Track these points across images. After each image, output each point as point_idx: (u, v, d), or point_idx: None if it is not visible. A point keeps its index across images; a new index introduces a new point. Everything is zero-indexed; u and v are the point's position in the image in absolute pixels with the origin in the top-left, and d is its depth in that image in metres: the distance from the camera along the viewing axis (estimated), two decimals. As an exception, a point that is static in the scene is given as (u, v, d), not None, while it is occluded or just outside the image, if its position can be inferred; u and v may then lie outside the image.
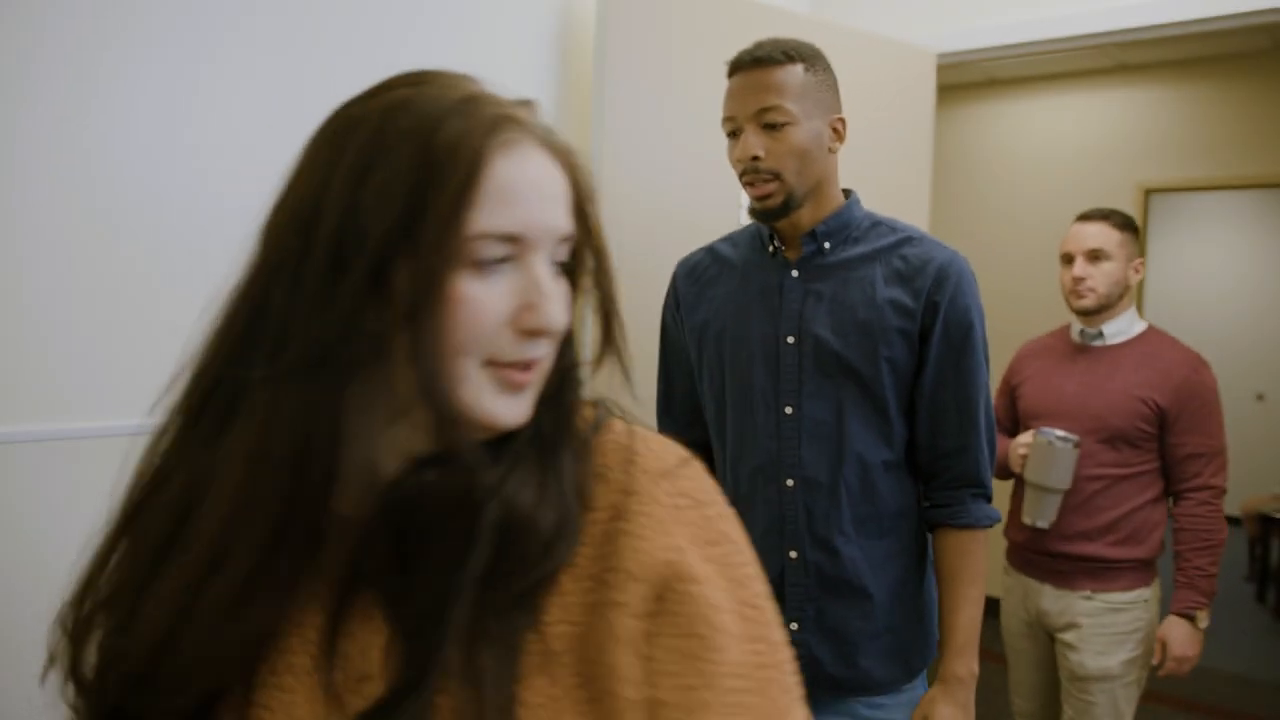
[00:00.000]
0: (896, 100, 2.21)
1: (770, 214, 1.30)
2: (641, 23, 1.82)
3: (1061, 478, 1.93)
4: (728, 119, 1.31)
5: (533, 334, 0.54)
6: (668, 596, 0.52)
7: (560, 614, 0.53)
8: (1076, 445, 1.92)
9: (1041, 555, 2.04)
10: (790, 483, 1.32)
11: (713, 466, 1.44)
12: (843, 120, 1.34)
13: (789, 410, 1.32)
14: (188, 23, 1.44)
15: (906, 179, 2.25)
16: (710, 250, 1.48)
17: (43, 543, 1.33)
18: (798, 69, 1.29)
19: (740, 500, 1.34)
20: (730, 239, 1.48)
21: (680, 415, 1.51)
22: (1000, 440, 2.13)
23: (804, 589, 1.31)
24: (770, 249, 1.37)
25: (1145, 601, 1.99)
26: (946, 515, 1.35)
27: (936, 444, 1.34)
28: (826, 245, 1.33)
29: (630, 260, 1.80)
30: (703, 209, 1.88)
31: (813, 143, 1.28)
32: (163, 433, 0.60)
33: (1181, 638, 1.92)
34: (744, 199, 1.97)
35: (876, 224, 1.36)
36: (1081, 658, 1.97)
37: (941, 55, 2.37)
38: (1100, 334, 2.07)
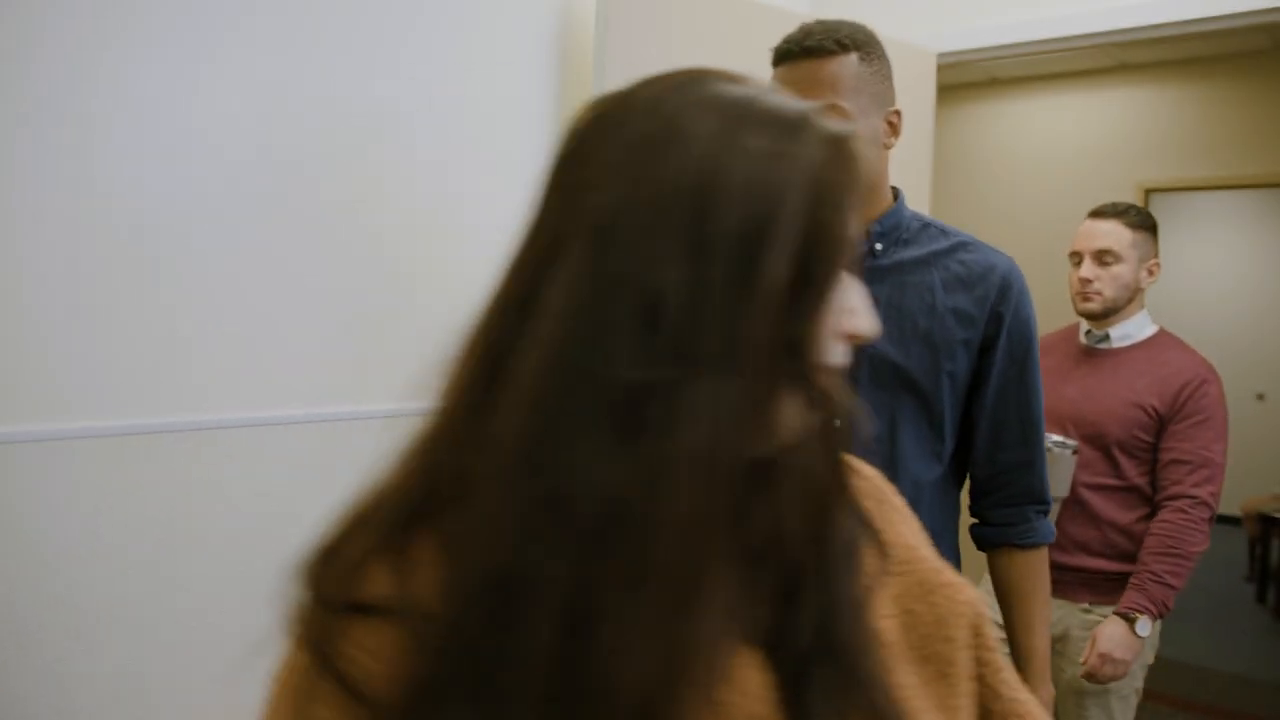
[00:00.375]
0: (897, 100, 2.21)
1: None
2: (641, 23, 1.82)
3: (1059, 485, 1.83)
4: None
5: (851, 339, 0.55)
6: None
7: (881, 609, 0.57)
8: (1075, 452, 1.85)
9: None
10: None
11: None
12: (898, 113, 1.24)
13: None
14: (187, 23, 1.44)
15: (906, 179, 2.24)
16: None
17: (43, 543, 1.33)
18: (852, 59, 1.18)
19: None
20: None
21: None
22: None
23: None
24: None
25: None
26: (1014, 535, 1.27)
27: (997, 459, 1.26)
28: (879, 247, 1.24)
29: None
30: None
31: (870, 142, 1.18)
32: (554, 448, 0.44)
33: (1112, 636, 1.77)
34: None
35: (926, 225, 1.28)
36: (1079, 671, 1.87)
37: (941, 55, 2.37)
38: (1106, 337, 1.98)
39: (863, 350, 1.11)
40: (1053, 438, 1.83)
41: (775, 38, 2.02)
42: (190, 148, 1.46)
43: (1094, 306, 1.93)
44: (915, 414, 1.21)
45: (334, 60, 1.61)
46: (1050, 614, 1.27)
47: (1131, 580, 1.82)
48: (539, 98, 1.93)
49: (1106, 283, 1.91)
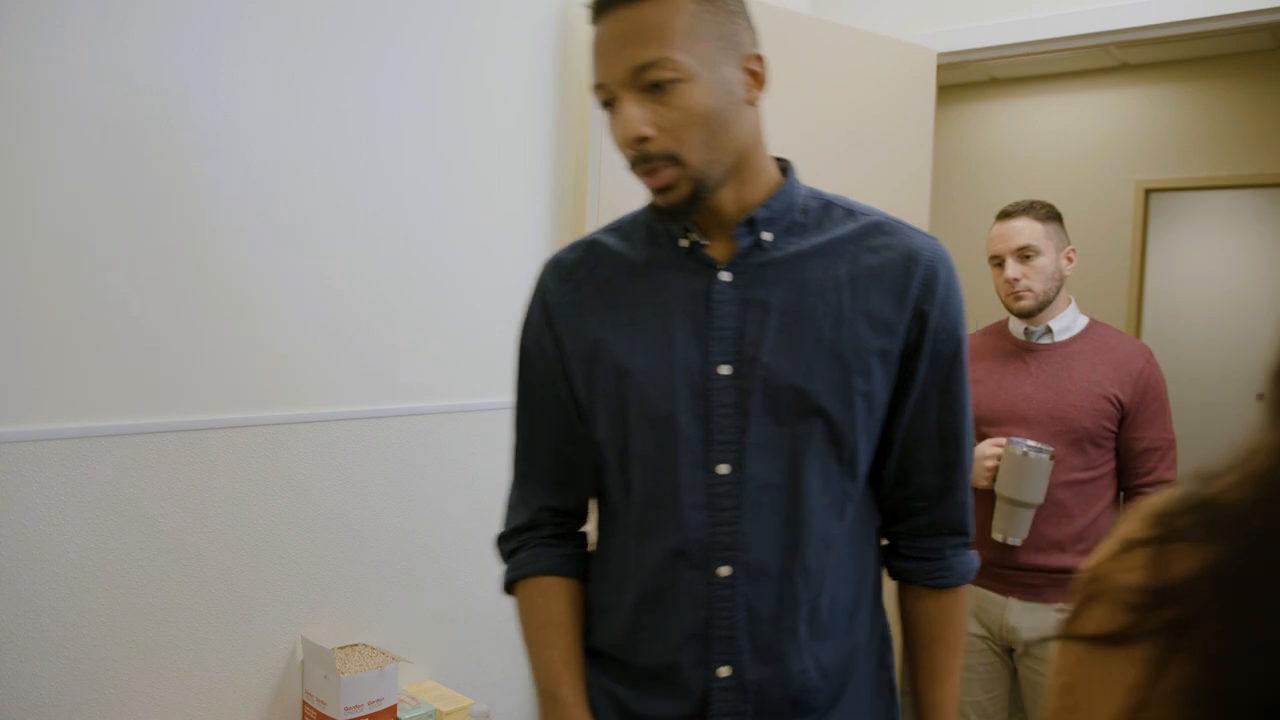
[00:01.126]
0: (896, 100, 2.21)
1: (677, 212, 0.93)
2: (641, 22, 1.82)
3: (1036, 491, 1.80)
4: (597, 87, 0.92)
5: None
6: None
7: None
8: (1052, 457, 1.80)
9: (1008, 569, 1.90)
10: (725, 571, 0.94)
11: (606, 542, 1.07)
12: (760, 59, 0.96)
13: (724, 469, 0.94)
14: (191, 21, 1.44)
15: (906, 178, 2.25)
16: (592, 244, 1.06)
17: (43, 543, 1.33)
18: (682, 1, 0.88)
19: (649, 596, 0.97)
20: (618, 228, 1.06)
21: (548, 477, 1.08)
22: None
23: (739, 718, 0.95)
24: (685, 242, 0.98)
25: None
26: (926, 573, 1.05)
27: (911, 482, 1.03)
28: (767, 238, 0.97)
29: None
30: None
31: (720, 99, 0.90)
32: None
33: None
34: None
35: (828, 205, 1.01)
36: None
37: (941, 55, 2.37)
38: (1048, 330, 1.96)
39: (752, 372, 0.93)
40: (1027, 442, 1.81)
41: (775, 38, 2.02)
42: (191, 146, 1.45)
43: (1028, 304, 1.92)
44: (822, 450, 0.94)
45: (334, 60, 1.61)
46: (962, 661, 1.09)
47: None
48: (539, 98, 1.93)
49: (1034, 278, 1.91)
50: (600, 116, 1.79)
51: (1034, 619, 1.89)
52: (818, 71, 2.06)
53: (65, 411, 1.35)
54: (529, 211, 1.92)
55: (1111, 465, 1.90)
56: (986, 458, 1.87)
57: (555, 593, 1.05)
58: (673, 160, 0.89)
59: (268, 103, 1.53)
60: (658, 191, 0.92)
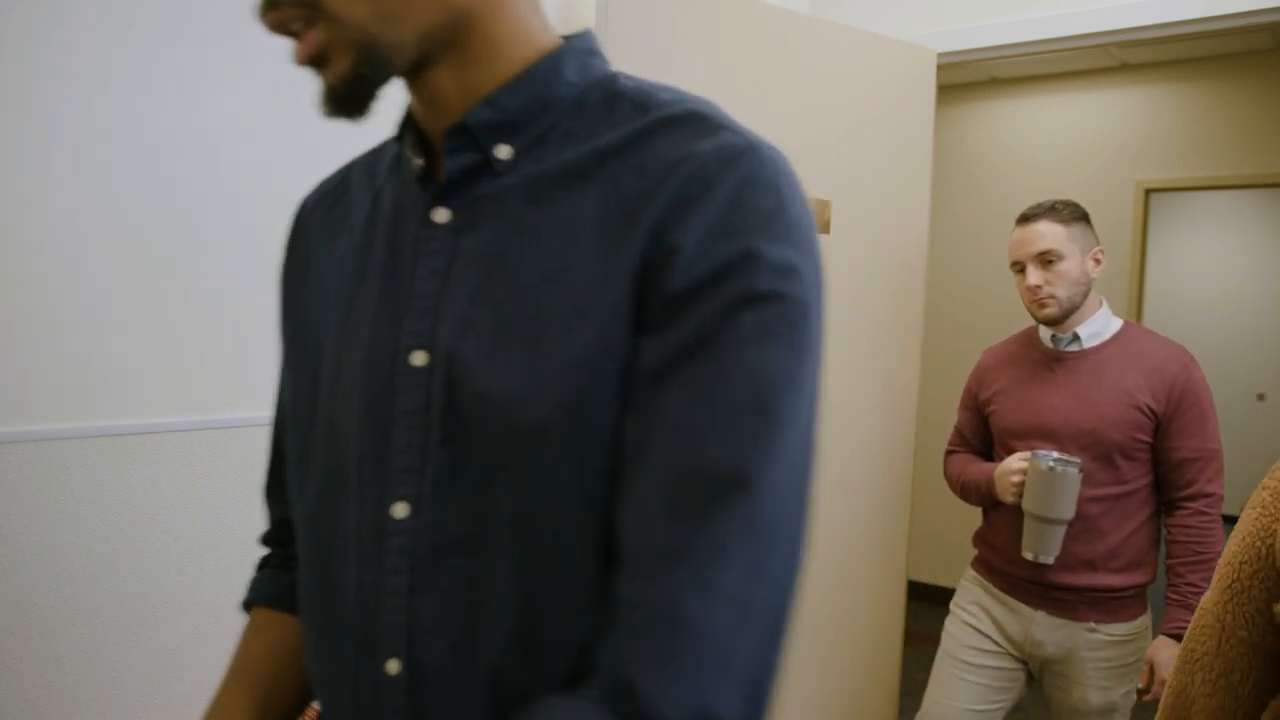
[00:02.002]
0: (896, 100, 2.21)
1: (342, 101, 0.60)
2: (641, 23, 1.82)
3: (1066, 507, 1.71)
4: None
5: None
6: None
7: None
8: (1080, 469, 1.71)
9: (1039, 585, 1.83)
10: (394, 668, 0.59)
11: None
12: None
13: (402, 511, 0.59)
14: (189, 24, 1.44)
15: (906, 179, 2.25)
16: (349, 169, 0.76)
17: (43, 543, 1.33)
18: None
19: (321, 687, 0.65)
20: (384, 145, 0.74)
21: (280, 478, 0.80)
22: (970, 462, 1.99)
23: None
24: (413, 161, 0.65)
25: (1146, 630, 1.83)
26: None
27: (621, 548, 0.55)
28: (503, 153, 0.60)
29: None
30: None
31: None
32: None
33: (1171, 660, 1.70)
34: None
35: (614, 97, 0.61)
36: (1085, 693, 1.79)
37: (941, 55, 2.37)
38: (1076, 338, 1.84)
39: (447, 365, 0.58)
40: (1052, 455, 1.72)
41: (775, 38, 2.02)
42: (195, 148, 1.46)
43: (1052, 311, 1.81)
44: (532, 494, 0.55)
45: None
46: None
47: (1170, 595, 1.75)
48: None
49: (1057, 284, 1.80)
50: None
51: (1060, 635, 1.81)
52: (818, 71, 2.06)
53: (65, 411, 1.35)
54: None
55: (1147, 479, 1.79)
56: (1012, 473, 1.79)
57: (265, 631, 0.77)
58: (312, 8, 0.56)
59: (266, 104, 1.54)
60: (311, 69, 0.59)
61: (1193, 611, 1.64)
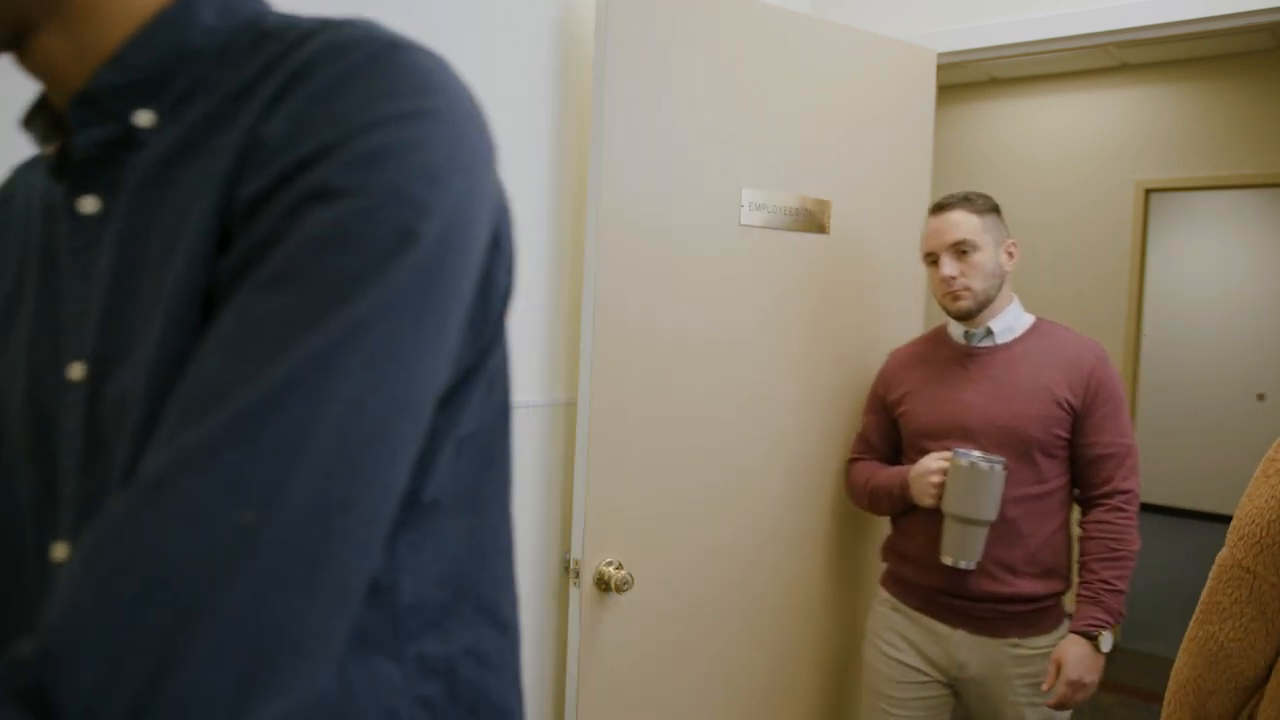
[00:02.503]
0: (896, 100, 2.21)
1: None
2: (641, 23, 1.82)
3: (990, 507, 1.61)
4: None
5: None
6: None
7: None
8: (1005, 467, 1.63)
9: (958, 599, 1.72)
10: None
11: None
12: None
13: (61, 554, 0.51)
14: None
15: (906, 178, 2.25)
16: (13, 178, 0.65)
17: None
18: None
19: None
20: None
21: None
22: (878, 468, 1.89)
23: None
24: (44, 148, 0.57)
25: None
26: None
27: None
28: (143, 120, 0.51)
29: (630, 261, 1.80)
30: (703, 209, 1.88)
31: None
32: None
33: (1080, 658, 1.61)
34: (746, 197, 1.97)
35: (261, 35, 0.51)
36: (1021, 712, 1.70)
37: (941, 55, 2.37)
38: (989, 333, 1.77)
39: (105, 379, 0.49)
40: (974, 453, 1.64)
41: (775, 38, 2.02)
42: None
43: (967, 304, 1.74)
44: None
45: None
46: None
47: (1082, 592, 1.67)
48: (539, 97, 1.93)
49: (972, 276, 1.73)
50: (600, 121, 1.80)
51: (984, 654, 1.72)
52: (818, 71, 2.06)
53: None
54: (529, 216, 1.92)
55: (1065, 478, 1.72)
56: (931, 472, 1.69)
57: None
58: None
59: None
60: None
61: (1104, 609, 1.63)
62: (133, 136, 0.50)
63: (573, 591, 1.80)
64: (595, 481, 1.79)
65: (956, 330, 1.83)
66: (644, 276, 1.83)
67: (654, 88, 1.84)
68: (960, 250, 1.74)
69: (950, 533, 1.66)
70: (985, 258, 1.75)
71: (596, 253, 1.77)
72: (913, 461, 1.81)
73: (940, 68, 2.37)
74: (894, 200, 2.22)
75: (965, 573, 1.69)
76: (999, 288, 1.76)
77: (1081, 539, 1.71)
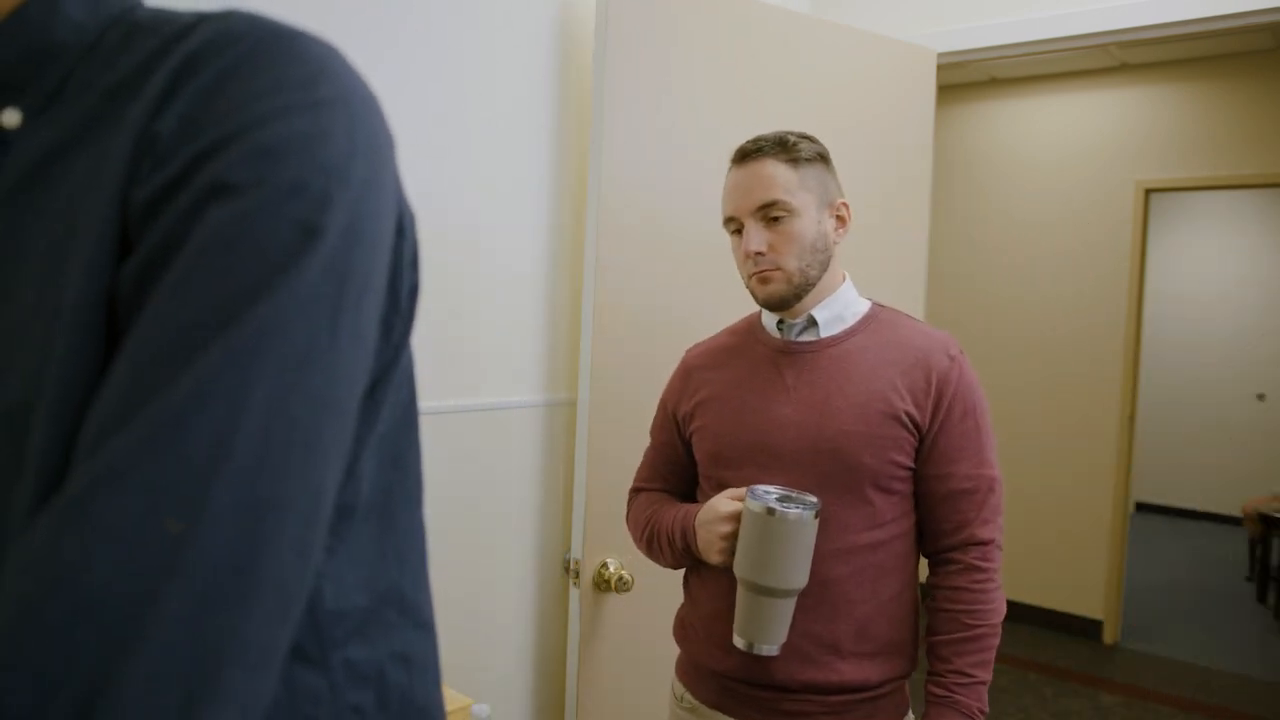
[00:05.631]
0: (896, 100, 2.21)
1: None
2: (641, 23, 1.82)
3: (794, 570, 1.14)
4: None
5: None
6: None
7: None
8: (817, 514, 1.15)
9: (761, 689, 1.24)
10: None
11: None
12: None
13: None
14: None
15: (906, 179, 2.25)
16: None
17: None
18: None
19: None
20: None
21: None
22: (662, 504, 1.39)
23: None
24: None
25: None
26: None
27: None
28: (8, 118, 0.48)
29: (630, 260, 1.80)
30: (703, 209, 1.88)
31: None
32: None
33: None
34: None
35: (131, 29, 0.49)
36: None
37: (941, 55, 2.37)
38: (811, 324, 1.30)
39: None
40: (771, 493, 1.17)
41: (775, 38, 2.02)
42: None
43: (779, 288, 1.25)
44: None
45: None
46: None
47: (932, 689, 1.22)
48: (538, 98, 1.93)
49: (785, 250, 1.23)
50: (600, 121, 1.79)
51: None
52: (818, 71, 2.06)
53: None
54: (529, 215, 1.92)
55: (908, 521, 1.26)
56: (720, 519, 1.21)
57: None
58: None
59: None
60: None
61: (960, 712, 1.18)
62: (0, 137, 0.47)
63: (572, 591, 1.80)
64: (595, 481, 1.79)
65: (769, 320, 1.33)
66: (644, 276, 1.83)
67: (654, 88, 1.84)
68: (770, 216, 1.23)
69: (743, 604, 1.18)
70: (804, 225, 1.24)
71: (596, 253, 1.77)
72: (708, 497, 1.30)
73: (940, 68, 2.37)
74: (894, 200, 2.22)
75: (767, 658, 1.22)
76: (825, 265, 1.27)
77: (930, 610, 1.26)
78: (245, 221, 0.40)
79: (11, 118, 0.47)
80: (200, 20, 0.46)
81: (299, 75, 0.44)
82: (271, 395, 0.39)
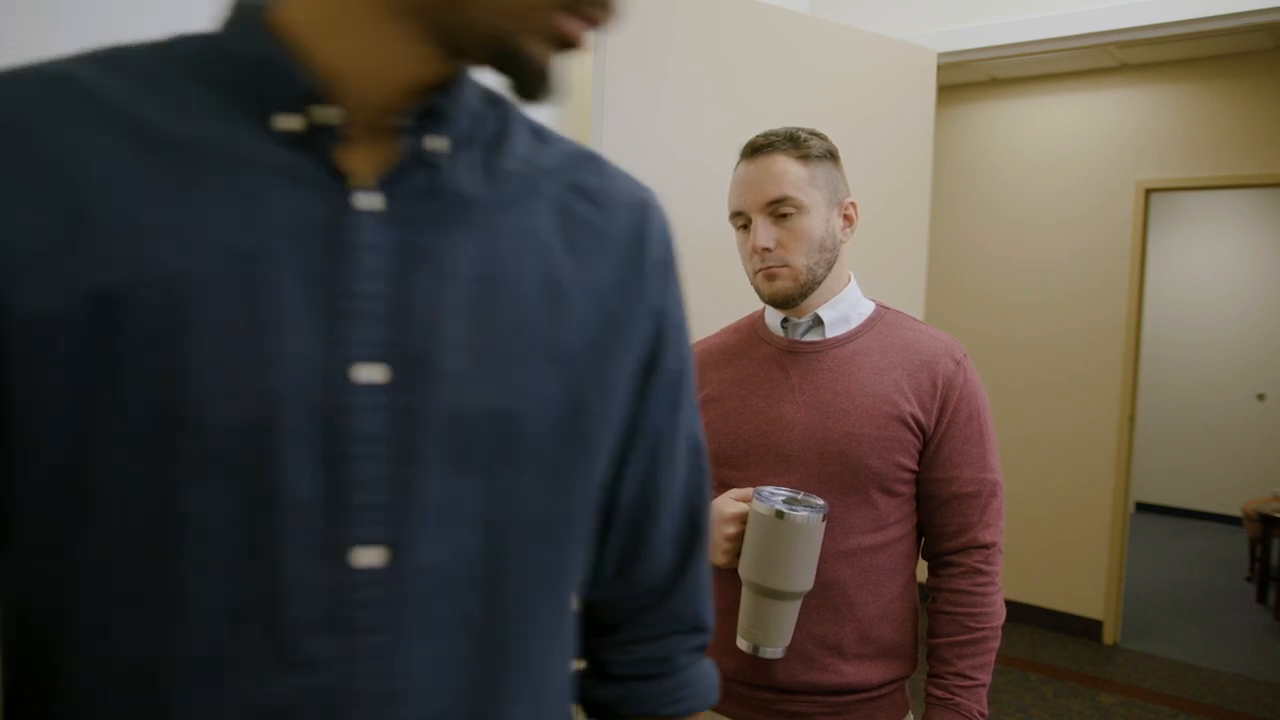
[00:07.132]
0: (896, 100, 2.21)
1: None
2: (641, 23, 1.82)
3: (801, 573, 1.14)
4: None
5: None
6: None
7: None
8: (825, 517, 1.15)
9: (763, 690, 1.25)
10: None
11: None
12: None
13: (373, 557, 0.50)
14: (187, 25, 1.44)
15: (906, 179, 2.25)
16: (65, 79, 0.50)
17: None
18: None
19: None
20: (124, 59, 0.54)
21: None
22: None
23: None
24: (296, 122, 0.51)
25: None
26: (655, 698, 0.69)
27: (638, 567, 0.67)
28: (438, 145, 0.54)
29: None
30: (702, 209, 1.88)
31: None
32: None
33: None
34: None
35: (507, 114, 0.60)
36: None
37: (941, 55, 2.37)
38: (817, 323, 1.30)
39: (425, 381, 0.51)
40: (782, 494, 1.18)
41: (775, 38, 2.02)
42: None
43: (785, 285, 1.25)
44: (535, 520, 0.55)
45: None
46: None
47: (933, 690, 1.23)
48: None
49: (793, 247, 1.24)
50: (600, 121, 1.79)
51: None
52: (818, 71, 2.06)
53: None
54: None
55: (910, 523, 1.28)
56: (725, 521, 1.20)
57: None
58: None
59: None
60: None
61: (961, 714, 1.20)
62: (422, 159, 0.53)
63: (573, 591, 1.80)
64: (595, 481, 1.79)
65: (774, 319, 1.34)
66: (644, 276, 1.83)
67: (653, 87, 1.84)
68: (779, 212, 1.24)
69: (748, 606, 1.18)
70: (813, 223, 1.24)
71: (596, 253, 1.77)
72: (713, 498, 1.35)
73: (940, 68, 2.38)
74: (894, 200, 2.22)
75: (771, 660, 1.23)
76: (831, 264, 1.27)
77: (931, 613, 1.28)
78: (688, 390, 0.69)
79: (439, 143, 0.54)
80: (585, 149, 0.64)
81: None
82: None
